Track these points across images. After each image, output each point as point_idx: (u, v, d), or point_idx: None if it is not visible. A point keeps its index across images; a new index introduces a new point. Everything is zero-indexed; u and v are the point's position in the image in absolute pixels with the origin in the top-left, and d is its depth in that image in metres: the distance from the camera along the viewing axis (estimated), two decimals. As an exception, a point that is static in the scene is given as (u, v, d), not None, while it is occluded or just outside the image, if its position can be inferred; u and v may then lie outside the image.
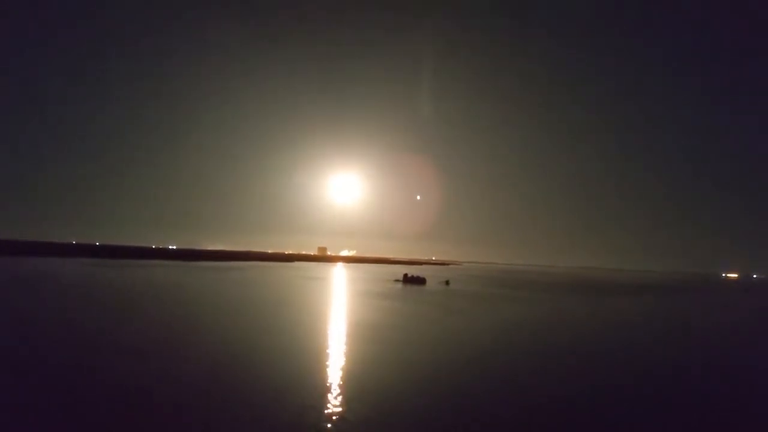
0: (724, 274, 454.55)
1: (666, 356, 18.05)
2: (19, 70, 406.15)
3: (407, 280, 59.26)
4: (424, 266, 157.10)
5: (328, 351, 15.39)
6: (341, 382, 11.67)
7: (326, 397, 10.45)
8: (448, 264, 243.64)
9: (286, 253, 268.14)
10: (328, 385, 11.42)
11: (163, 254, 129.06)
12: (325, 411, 9.53)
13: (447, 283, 60.01)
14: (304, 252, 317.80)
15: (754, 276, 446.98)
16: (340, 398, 10.39)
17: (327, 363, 13.70)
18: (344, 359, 14.29)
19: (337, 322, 22.22)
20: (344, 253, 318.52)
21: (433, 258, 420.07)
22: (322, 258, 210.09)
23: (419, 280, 58.86)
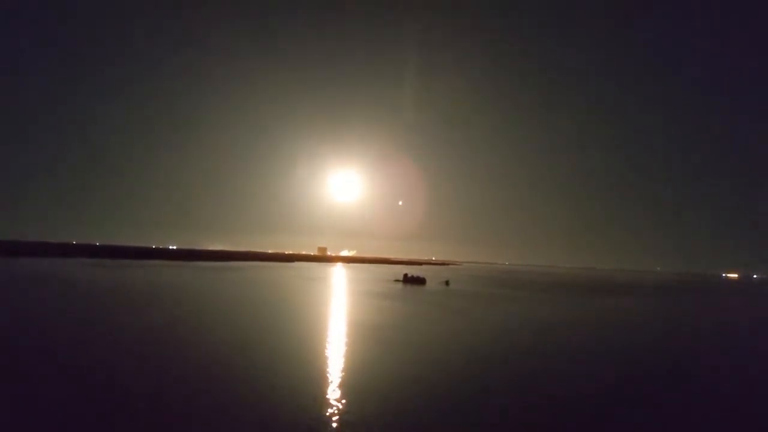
0: (724, 274, 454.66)
1: (665, 356, 18.05)
2: (19, 70, 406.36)
3: (407, 280, 59.25)
4: (424, 266, 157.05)
5: (328, 351, 15.39)
6: (341, 383, 11.67)
7: (326, 397, 10.45)
8: (448, 264, 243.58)
9: (286, 253, 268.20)
10: (328, 385, 11.41)
11: (163, 254, 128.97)
12: (325, 411, 9.53)
13: (447, 283, 59.98)
14: (304, 252, 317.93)
15: (754, 276, 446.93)
16: (340, 398, 10.39)
17: (327, 363, 13.70)
18: (344, 359, 14.28)
19: (337, 323, 22.22)
20: (344, 253, 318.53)
21: (433, 258, 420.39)
22: (322, 258, 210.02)
23: (419, 280, 58.85)
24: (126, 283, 38.85)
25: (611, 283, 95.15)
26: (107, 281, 39.86)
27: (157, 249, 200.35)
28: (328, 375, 12.36)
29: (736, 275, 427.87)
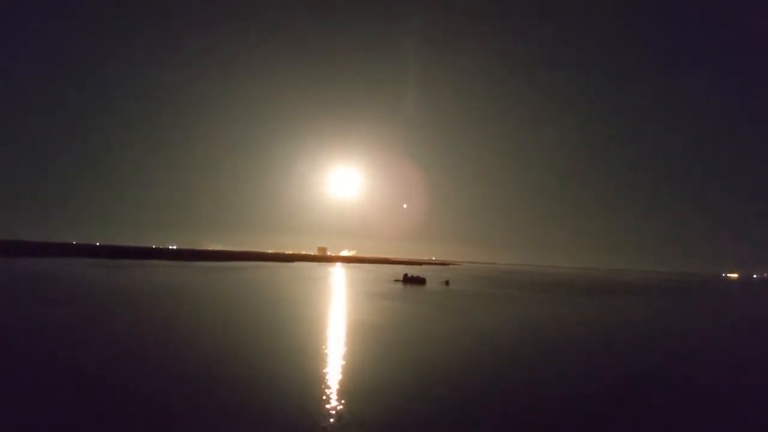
0: (724, 275, 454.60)
1: (665, 356, 18.05)
2: (19, 70, 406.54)
3: (407, 280, 59.25)
4: (424, 266, 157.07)
5: (328, 351, 15.39)
6: (341, 383, 11.67)
7: (326, 397, 10.45)
8: (448, 264, 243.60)
9: (287, 253, 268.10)
10: (328, 385, 11.42)
11: (163, 254, 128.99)
12: (325, 411, 9.53)
13: (447, 283, 59.99)
14: (304, 252, 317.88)
15: (754, 276, 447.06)
16: (340, 399, 10.39)
17: (327, 363, 13.70)
18: (344, 359, 14.29)
19: (337, 322, 22.23)
20: (344, 253, 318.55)
21: (433, 258, 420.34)
22: (322, 258, 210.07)
23: (419, 281, 58.85)
24: (126, 283, 38.86)
25: (611, 283, 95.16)
26: (107, 281, 39.87)
27: (157, 249, 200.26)
28: (328, 375, 12.36)
29: (736, 275, 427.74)
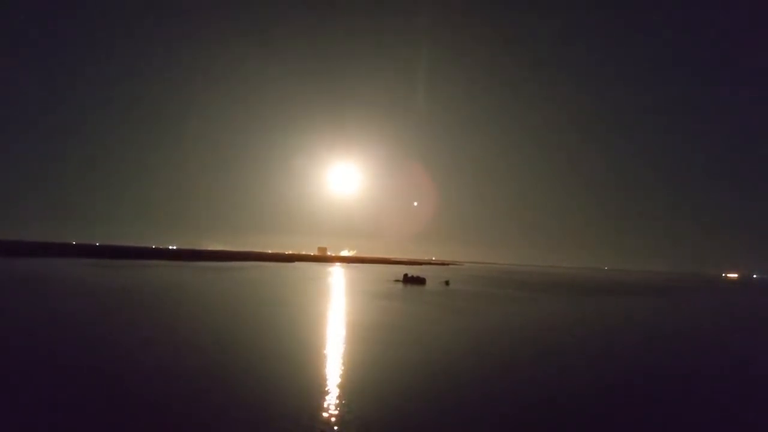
0: (724, 274, 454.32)
1: (665, 356, 18.05)
2: (19, 70, 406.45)
3: (407, 280, 59.25)
4: (424, 266, 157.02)
5: (327, 351, 15.40)
6: (341, 383, 11.67)
7: (326, 397, 10.46)
8: (448, 264, 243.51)
9: (286, 253, 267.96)
10: (328, 385, 11.42)
11: (163, 254, 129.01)
12: (325, 412, 9.54)
13: (447, 283, 59.99)
14: (304, 252, 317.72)
15: (754, 276, 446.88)
16: (340, 399, 10.40)
17: (327, 363, 13.70)
18: (344, 360, 14.29)
19: (337, 323, 22.23)
20: (344, 253, 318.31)
21: (434, 258, 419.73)
22: (323, 258, 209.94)
23: (419, 281, 58.84)
24: (126, 283, 38.85)
25: (611, 283, 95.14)
26: (107, 281, 39.86)
27: (157, 249, 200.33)
28: (328, 375, 12.36)
29: (736, 275, 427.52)
